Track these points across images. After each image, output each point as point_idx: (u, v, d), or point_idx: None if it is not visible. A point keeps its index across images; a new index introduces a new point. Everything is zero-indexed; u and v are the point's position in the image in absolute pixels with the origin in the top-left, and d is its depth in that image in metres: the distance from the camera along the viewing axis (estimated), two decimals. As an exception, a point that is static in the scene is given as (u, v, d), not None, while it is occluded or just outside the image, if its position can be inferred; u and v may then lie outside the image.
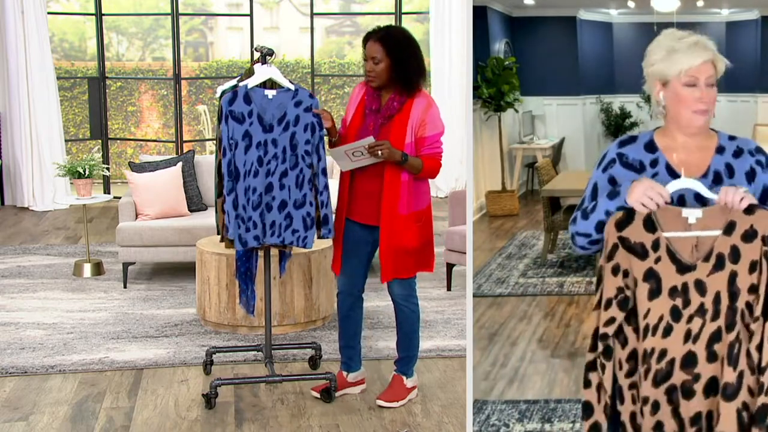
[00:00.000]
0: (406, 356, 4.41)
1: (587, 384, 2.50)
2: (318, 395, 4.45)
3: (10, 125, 9.88)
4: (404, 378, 4.42)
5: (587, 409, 2.50)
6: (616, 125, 4.22)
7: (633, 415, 2.48)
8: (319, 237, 4.31)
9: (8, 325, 5.64)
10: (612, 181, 2.59)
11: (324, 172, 4.26)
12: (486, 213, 4.16)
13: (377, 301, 6.07)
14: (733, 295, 2.38)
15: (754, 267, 2.37)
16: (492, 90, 3.95)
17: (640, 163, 2.58)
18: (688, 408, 2.44)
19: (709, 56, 2.46)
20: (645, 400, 2.44)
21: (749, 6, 3.94)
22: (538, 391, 3.70)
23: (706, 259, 2.39)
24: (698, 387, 2.42)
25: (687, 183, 2.44)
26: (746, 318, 2.38)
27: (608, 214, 2.49)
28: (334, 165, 7.03)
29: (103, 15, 10.52)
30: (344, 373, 4.50)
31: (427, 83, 4.06)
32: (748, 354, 2.38)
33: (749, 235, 2.37)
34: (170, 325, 5.62)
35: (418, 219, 4.20)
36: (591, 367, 2.49)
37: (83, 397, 4.51)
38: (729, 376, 2.39)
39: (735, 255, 2.38)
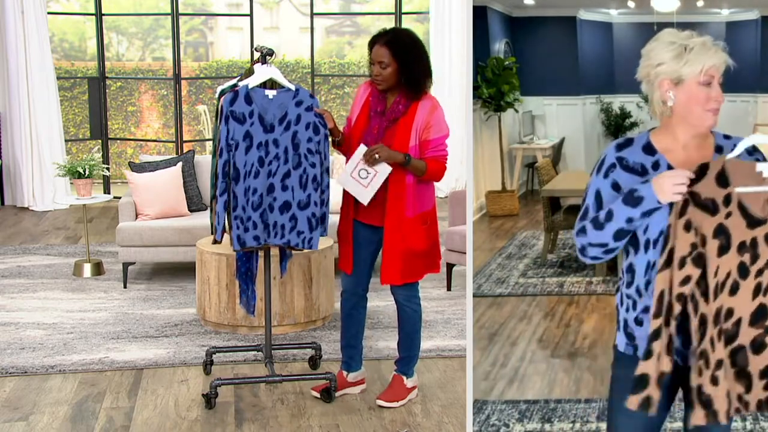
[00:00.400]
0: (407, 356, 4.41)
1: (648, 355, 2.46)
2: (318, 395, 4.45)
3: (10, 125, 9.88)
4: (404, 378, 4.42)
5: (641, 383, 2.47)
6: (616, 125, 4.22)
7: (700, 388, 2.47)
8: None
9: (8, 325, 5.64)
10: (616, 186, 2.56)
11: (327, 171, 4.26)
12: (486, 213, 4.16)
13: (377, 301, 6.06)
14: None
15: None
16: (492, 90, 3.95)
17: (641, 166, 2.56)
18: (757, 362, 2.48)
19: (725, 57, 2.47)
20: (719, 364, 2.45)
21: (749, 6, 3.94)
22: (538, 391, 3.71)
23: None
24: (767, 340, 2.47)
25: (758, 138, 2.49)
26: None
27: (630, 221, 2.47)
28: (335, 163, 7.02)
29: (103, 15, 10.52)
30: (344, 373, 4.50)
31: (430, 85, 4.08)
32: None
33: None
34: (170, 325, 5.62)
35: (424, 221, 4.20)
36: (654, 336, 2.46)
37: (83, 397, 4.51)
38: None
39: None
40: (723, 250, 2.44)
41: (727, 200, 2.43)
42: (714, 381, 2.45)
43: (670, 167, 2.54)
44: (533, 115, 4.29)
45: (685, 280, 2.43)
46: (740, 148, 2.48)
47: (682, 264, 2.43)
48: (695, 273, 2.43)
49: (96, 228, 8.85)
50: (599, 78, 4.33)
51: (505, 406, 3.66)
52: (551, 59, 4.28)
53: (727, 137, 2.59)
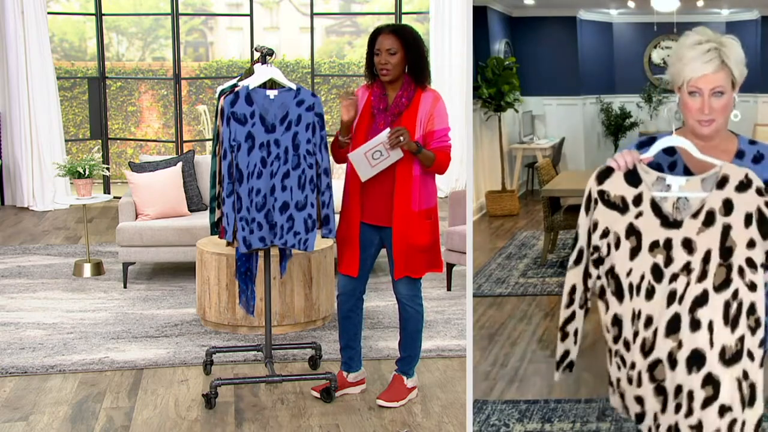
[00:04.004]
0: (408, 356, 4.41)
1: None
2: (318, 395, 4.45)
3: (10, 125, 9.88)
4: (405, 378, 4.42)
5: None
6: (616, 125, 4.23)
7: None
8: (322, 236, 4.31)
9: (8, 325, 5.64)
10: None
11: (326, 172, 4.24)
12: (486, 213, 4.16)
13: (377, 301, 6.06)
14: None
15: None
16: (492, 90, 3.95)
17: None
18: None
19: (712, 68, 2.39)
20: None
21: (749, 6, 3.94)
22: (538, 391, 3.70)
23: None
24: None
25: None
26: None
27: None
28: (335, 165, 7.02)
29: (103, 15, 10.52)
30: (344, 373, 4.50)
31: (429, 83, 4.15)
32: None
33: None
34: (170, 325, 5.62)
35: (429, 216, 4.20)
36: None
37: (83, 397, 4.51)
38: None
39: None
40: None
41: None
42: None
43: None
44: (533, 115, 4.29)
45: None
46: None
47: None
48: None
49: (96, 228, 8.85)
50: (599, 78, 4.33)
51: (505, 406, 3.66)
52: (551, 59, 4.28)
53: (753, 142, 2.51)
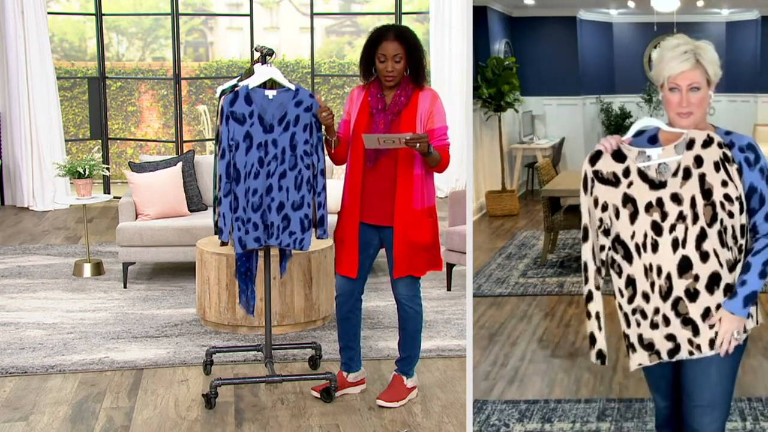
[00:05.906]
0: (408, 356, 4.41)
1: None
2: (318, 395, 4.45)
3: (10, 125, 9.88)
4: (405, 378, 4.42)
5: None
6: (616, 125, 4.23)
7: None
8: (317, 237, 4.30)
9: (8, 325, 5.64)
10: None
11: (323, 173, 4.24)
12: (486, 213, 4.16)
13: (377, 301, 6.06)
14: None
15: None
16: (492, 90, 3.95)
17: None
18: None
19: (689, 66, 2.67)
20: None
21: (749, 6, 3.95)
22: (538, 391, 3.71)
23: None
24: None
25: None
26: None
27: None
28: (334, 166, 7.02)
29: (103, 15, 10.52)
30: (344, 373, 4.50)
31: (427, 83, 4.12)
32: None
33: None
34: (170, 325, 5.62)
35: (430, 214, 4.19)
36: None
37: (83, 397, 4.51)
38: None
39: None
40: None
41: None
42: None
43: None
44: (533, 115, 4.30)
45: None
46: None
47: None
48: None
49: (96, 228, 8.85)
50: (599, 78, 4.34)
51: (505, 406, 3.66)
52: (551, 59, 4.29)
53: (728, 133, 2.76)
